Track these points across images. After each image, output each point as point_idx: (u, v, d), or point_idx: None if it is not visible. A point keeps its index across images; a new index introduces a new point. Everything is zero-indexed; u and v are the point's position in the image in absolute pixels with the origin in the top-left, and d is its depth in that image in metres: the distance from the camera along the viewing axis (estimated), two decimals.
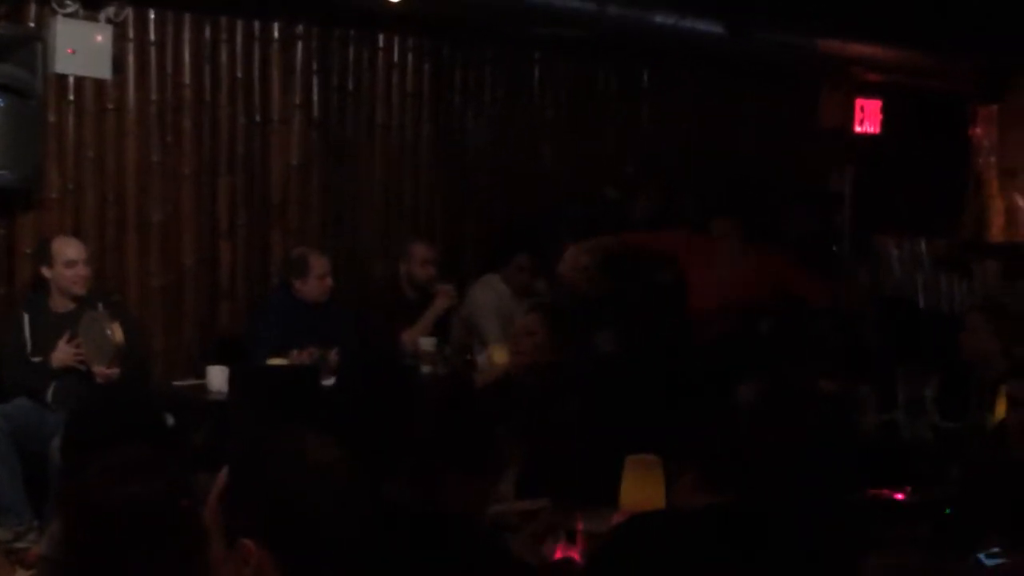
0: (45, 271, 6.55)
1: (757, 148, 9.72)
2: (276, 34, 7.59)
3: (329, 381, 6.52)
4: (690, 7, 8.40)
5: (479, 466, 3.26)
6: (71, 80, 6.87)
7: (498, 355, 6.52)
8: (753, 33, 8.80)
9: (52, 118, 6.78)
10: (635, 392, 5.32)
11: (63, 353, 6.36)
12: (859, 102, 10.53)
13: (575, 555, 3.62)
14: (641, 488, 3.93)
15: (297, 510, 2.15)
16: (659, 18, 8.32)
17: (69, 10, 6.68)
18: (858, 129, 10.56)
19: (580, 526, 3.73)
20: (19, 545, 6.01)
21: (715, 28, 8.61)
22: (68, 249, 6.56)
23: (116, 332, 6.28)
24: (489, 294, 7.78)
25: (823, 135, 10.33)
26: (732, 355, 6.17)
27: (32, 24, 6.67)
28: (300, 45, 7.68)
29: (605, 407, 5.03)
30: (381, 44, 8.04)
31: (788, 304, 6.97)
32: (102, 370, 6.29)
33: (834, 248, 9.40)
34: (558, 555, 3.64)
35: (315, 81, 7.76)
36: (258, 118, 7.56)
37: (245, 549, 2.12)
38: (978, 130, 10.83)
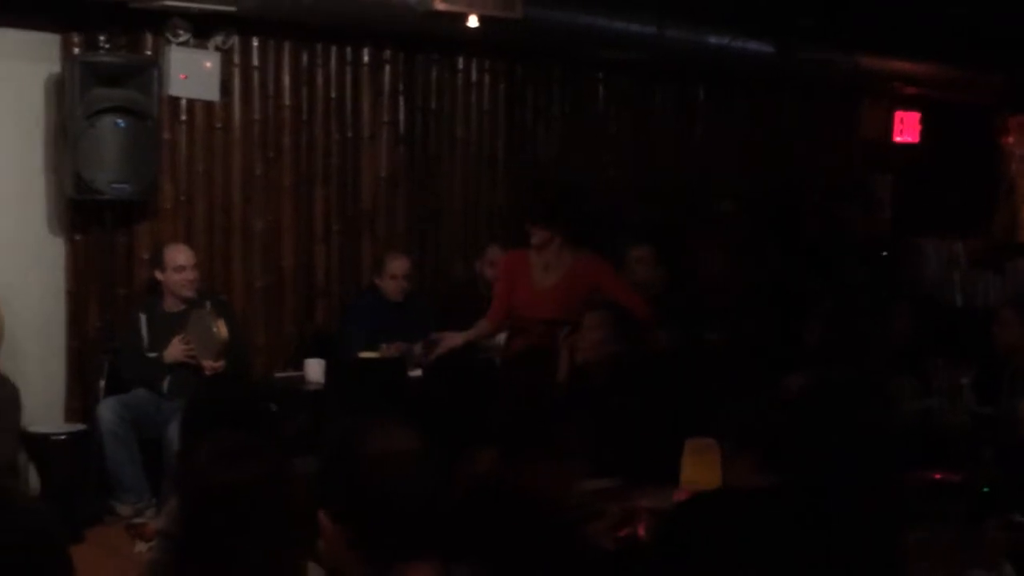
0: (158, 275, 6.63)
1: (803, 157, 9.64)
2: (366, 59, 7.62)
3: (415, 373, 6.55)
4: (741, 29, 8.38)
5: (561, 451, 3.24)
6: (183, 102, 6.94)
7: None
8: (799, 52, 8.75)
9: (166, 136, 6.85)
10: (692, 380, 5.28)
11: (175, 350, 6.43)
12: (898, 114, 10.44)
13: (639, 531, 3.60)
14: (700, 469, 3.91)
15: (367, 488, 2.17)
16: (713, 40, 8.32)
17: (182, 39, 6.76)
18: (898, 139, 10.47)
19: (644, 504, 3.71)
20: (138, 520, 6.08)
21: (764, 48, 8.60)
22: (178, 255, 6.63)
23: (221, 329, 6.33)
24: None
25: (864, 145, 10.23)
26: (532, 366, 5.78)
27: (149, 52, 6.74)
28: (388, 69, 7.71)
29: (664, 395, 4.98)
30: (460, 67, 8.06)
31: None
32: (209, 363, 6.35)
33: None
34: (623, 532, 3.62)
35: (401, 101, 7.78)
36: (350, 135, 7.60)
37: (320, 521, 2.15)
38: (1010, 139, 10.68)
